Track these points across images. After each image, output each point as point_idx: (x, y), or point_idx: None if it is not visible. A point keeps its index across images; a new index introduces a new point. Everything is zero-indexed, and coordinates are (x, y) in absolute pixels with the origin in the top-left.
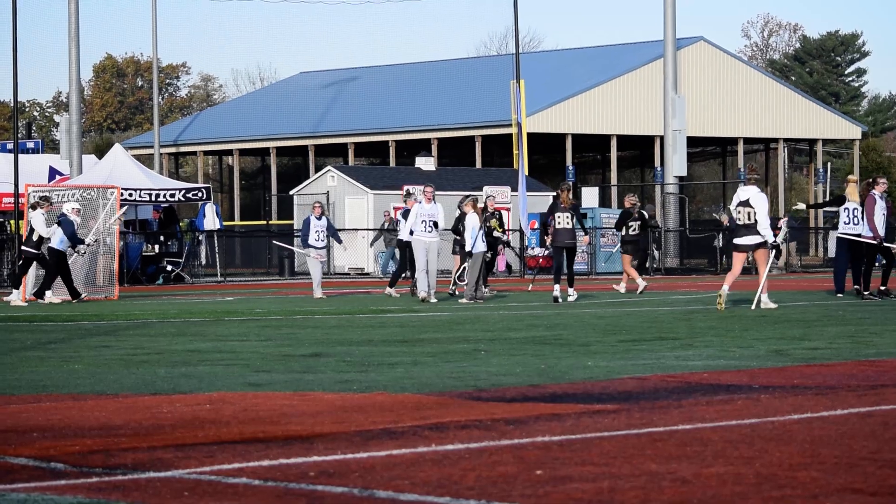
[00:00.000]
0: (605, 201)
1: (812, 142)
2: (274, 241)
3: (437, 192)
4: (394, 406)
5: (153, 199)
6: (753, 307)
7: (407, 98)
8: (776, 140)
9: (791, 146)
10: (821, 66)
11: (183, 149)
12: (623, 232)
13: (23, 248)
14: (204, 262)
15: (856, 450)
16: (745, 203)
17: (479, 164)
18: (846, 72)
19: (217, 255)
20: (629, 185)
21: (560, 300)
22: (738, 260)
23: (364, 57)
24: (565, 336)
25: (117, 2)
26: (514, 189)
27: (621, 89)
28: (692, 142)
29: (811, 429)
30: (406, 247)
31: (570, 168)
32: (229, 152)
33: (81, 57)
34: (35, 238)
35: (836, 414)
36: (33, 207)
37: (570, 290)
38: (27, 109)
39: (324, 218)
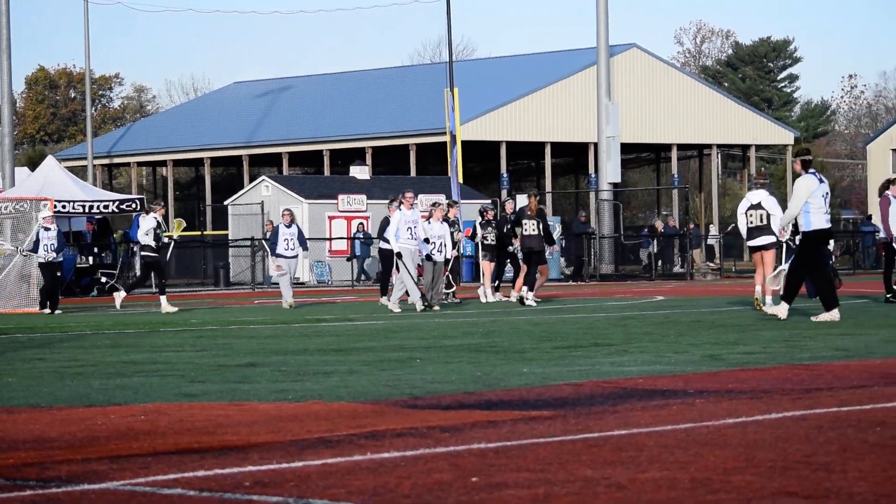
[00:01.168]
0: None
1: (745, 147)
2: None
3: (370, 202)
4: (329, 415)
5: (87, 210)
6: (766, 308)
7: (341, 107)
8: (710, 146)
9: (724, 152)
10: (753, 72)
11: (117, 160)
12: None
13: (141, 254)
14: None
15: (790, 453)
16: (757, 206)
17: (413, 173)
18: (778, 77)
19: None
20: (564, 192)
21: (526, 302)
22: (758, 260)
23: (298, 66)
24: (500, 343)
25: (49, 12)
26: (448, 197)
27: (555, 96)
28: (626, 148)
29: (746, 433)
30: (389, 255)
31: (505, 175)
32: (163, 163)
33: (13, 68)
34: (152, 243)
35: (770, 418)
36: (146, 212)
37: (530, 295)
38: None
39: (294, 226)
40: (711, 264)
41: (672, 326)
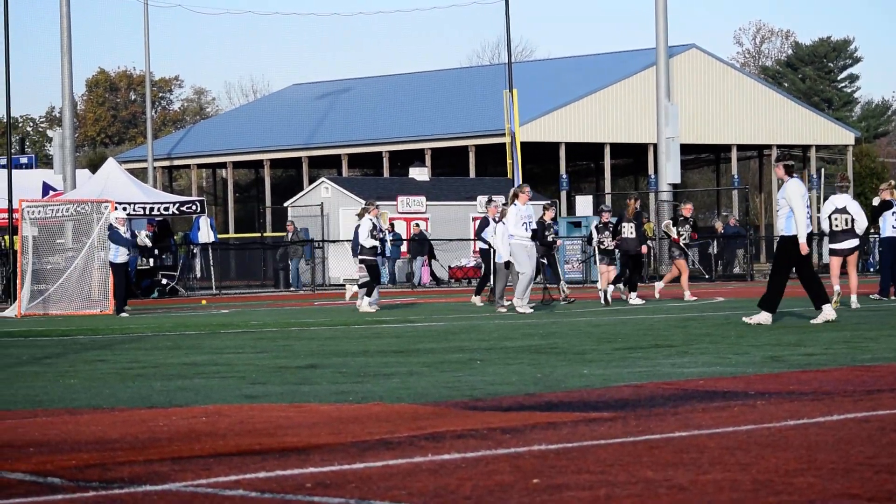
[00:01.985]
0: (598, 209)
1: (805, 148)
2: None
3: (429, 203)
4: (390, 416)
5: (147, 212)
6: (854, 305)
7: (400, 108)
8: (769, 146)
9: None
10: (813, 73)
11: (176, 162)
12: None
13: (359, 256)
14: (199, 275)
15: (852, 455)
16: (843, 210)
17: (472, 174)
18: (839, 77)
19: (212, 268)
20: (623, 193)
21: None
22: (836, 262)
23: (356, 68)
24: (561, 345)
25: (110, 16)
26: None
27: (614, 97)
28: (685, 149)
29: (807, 434)
30: (487, 254)
31: (564, 177)
32: (223, 165)
33: (74, 71)
34: (367, 245)
35: (832, 419)
36: (360, 215)
37: (633, 295)
38: (20, 125)
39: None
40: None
41: (732, 328)
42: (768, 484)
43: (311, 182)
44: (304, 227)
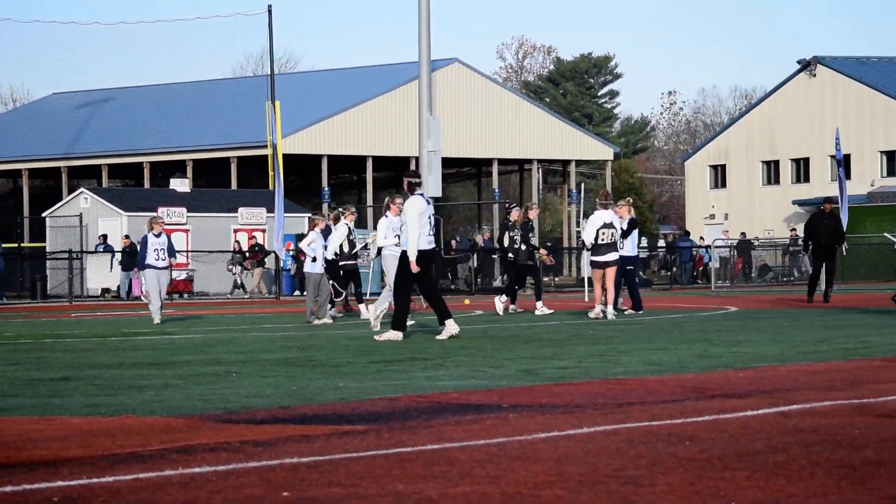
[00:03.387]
0: (361, 222)
1: (566, 162)
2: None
3: (190, 215)
4: (142, 429)
5: None
6: (609, 316)
7: (162, 119)
8: (530, 161)
9: (545, 167)
10: (574, 88)
11: None
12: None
13: (341, 263)
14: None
15: (600, 467)
16: (610, 225)
17: (234, 186)
18: (599, 94)
19: None
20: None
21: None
22: (598, 275)
23: (119, 77)
24: (318, 357)
25: None
26: (270, 210)
27: (377, 110)
28: (447, 163)
29: (557, 447)
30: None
31: (326, 189)
32: None
33: None
34: (346, 250)
35: (582, 432)
36: (334, 220)
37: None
38: None
39: (163, 235)
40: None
41: (489, 341)
42: (516, 496)
43: (70, 192)
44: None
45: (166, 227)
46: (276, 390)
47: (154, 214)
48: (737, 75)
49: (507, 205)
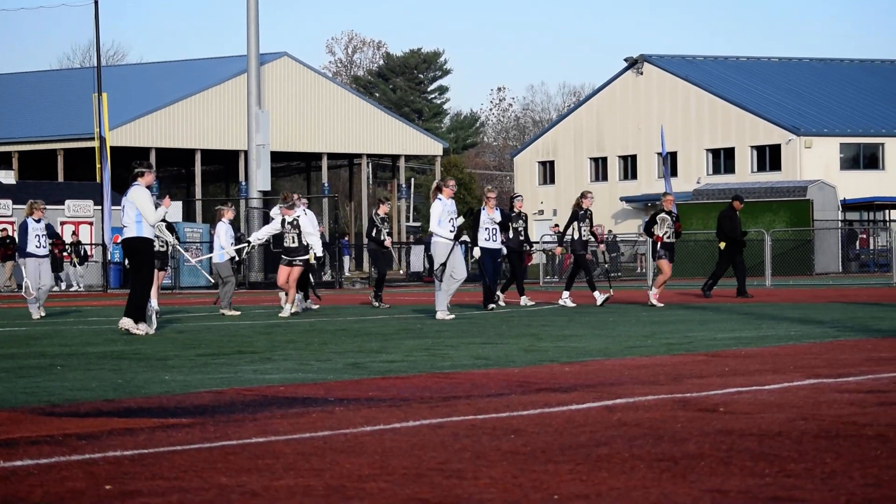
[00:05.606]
0: (189, 215)
1: (395, 157)
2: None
3: (16, 207)
4: None
5: None
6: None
7: None
8: (360, 155)
9: (375, 162)
10: (404, 83)
11: None
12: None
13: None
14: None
15: (424, 461)
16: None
17: (61, 178)
18: (429, 89)
19: None
20: (215, 200)
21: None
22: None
23: None
24: (144, 350)
25: None
26: (98, 203)
27: (206, 103)
28: (277, 157)
29: (383, 440)
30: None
31: (155, 182)
32: None
33: None
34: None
35: (407, 426)
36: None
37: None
38: None
39: (43, 220)
40: (359, 273)
41: (317, 335)
42: (340, 489)
43: None
44: None
45: None
46: (101, 383)
47: (34, 200)
48: (565, 72)
49: (512, 196)
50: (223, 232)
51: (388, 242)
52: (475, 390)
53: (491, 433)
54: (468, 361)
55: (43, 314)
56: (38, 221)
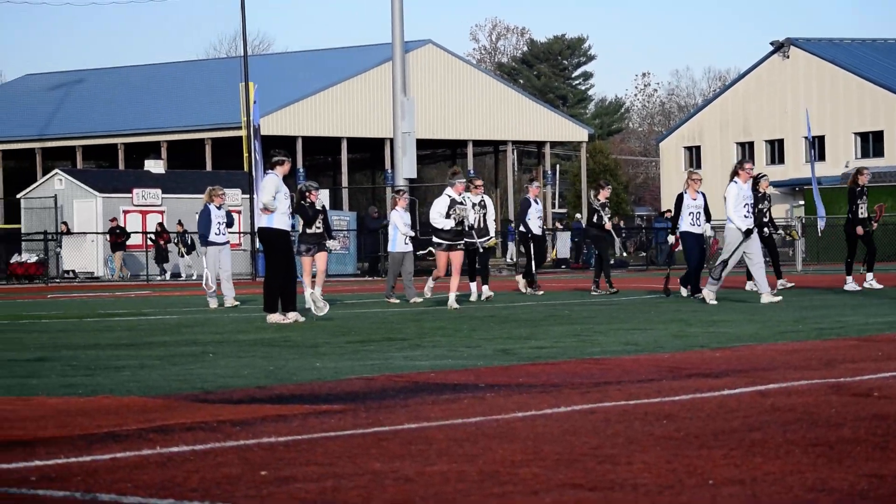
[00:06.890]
0: (336, 203)
1: (540, 144)
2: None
3: (165, 196)
4: (119, 409)
5: None
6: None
7: (136, 100)
8: (505, 142)
9: (520, 148)
10: (548, 70)
11: None
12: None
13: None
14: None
15: (577, 446)
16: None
17: (209, 167)
18: (573, 75)
19: None
20: (360, 188)
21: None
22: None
23: (92, 59)
24: (294, 338)
25: None
26: (245, 192)
27: (351, 92)
28: (422, 144)
29: (534, 426)
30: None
31: (301, 171)
32: None
33: None
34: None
35: (559, 411)
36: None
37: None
38: None
39: (224, 207)
40: (509, 260)
41: (466, 321)
42: (494, 475)
43: (44, 174)
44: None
45: (141, 208)
46: (253, 370)
47: (214, 186)
48: (710, 57)
49: (600, 183)
50: (398, 220)
51: (608, 226)
52: (626, 376)
53: (643, 418)
54: (618, 347)
55: (237, 302)
56: (219, 208)
